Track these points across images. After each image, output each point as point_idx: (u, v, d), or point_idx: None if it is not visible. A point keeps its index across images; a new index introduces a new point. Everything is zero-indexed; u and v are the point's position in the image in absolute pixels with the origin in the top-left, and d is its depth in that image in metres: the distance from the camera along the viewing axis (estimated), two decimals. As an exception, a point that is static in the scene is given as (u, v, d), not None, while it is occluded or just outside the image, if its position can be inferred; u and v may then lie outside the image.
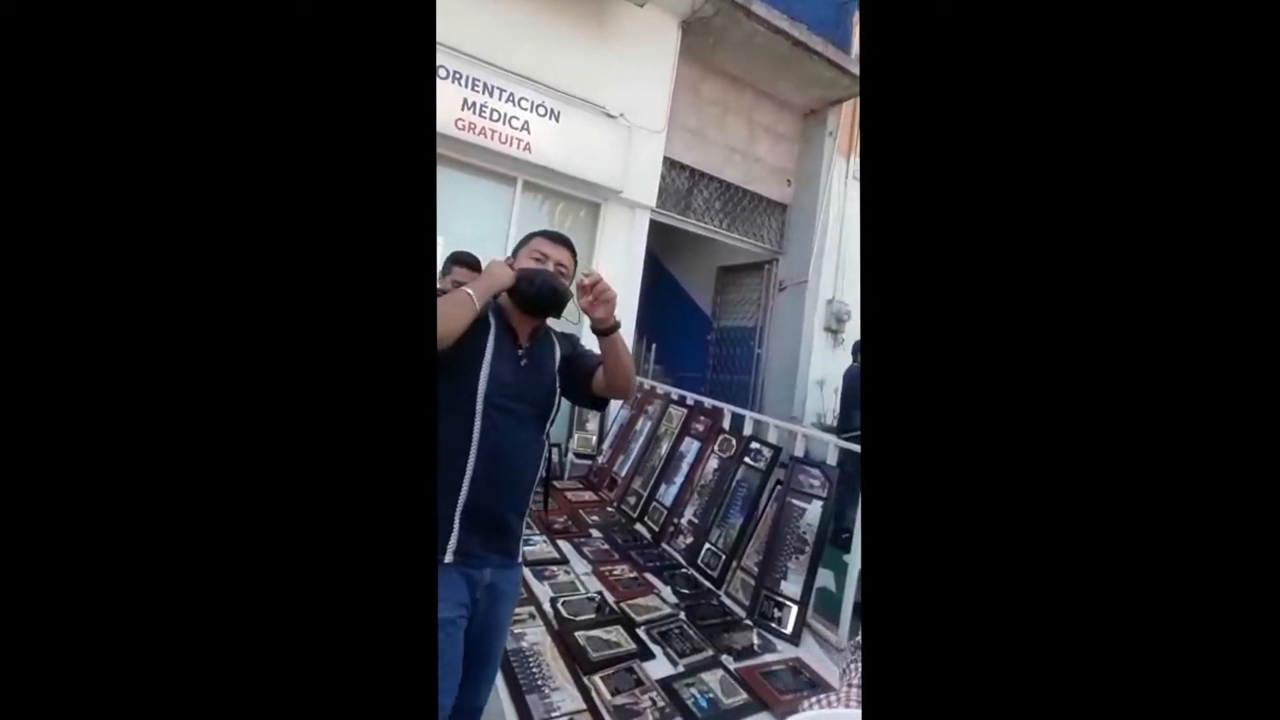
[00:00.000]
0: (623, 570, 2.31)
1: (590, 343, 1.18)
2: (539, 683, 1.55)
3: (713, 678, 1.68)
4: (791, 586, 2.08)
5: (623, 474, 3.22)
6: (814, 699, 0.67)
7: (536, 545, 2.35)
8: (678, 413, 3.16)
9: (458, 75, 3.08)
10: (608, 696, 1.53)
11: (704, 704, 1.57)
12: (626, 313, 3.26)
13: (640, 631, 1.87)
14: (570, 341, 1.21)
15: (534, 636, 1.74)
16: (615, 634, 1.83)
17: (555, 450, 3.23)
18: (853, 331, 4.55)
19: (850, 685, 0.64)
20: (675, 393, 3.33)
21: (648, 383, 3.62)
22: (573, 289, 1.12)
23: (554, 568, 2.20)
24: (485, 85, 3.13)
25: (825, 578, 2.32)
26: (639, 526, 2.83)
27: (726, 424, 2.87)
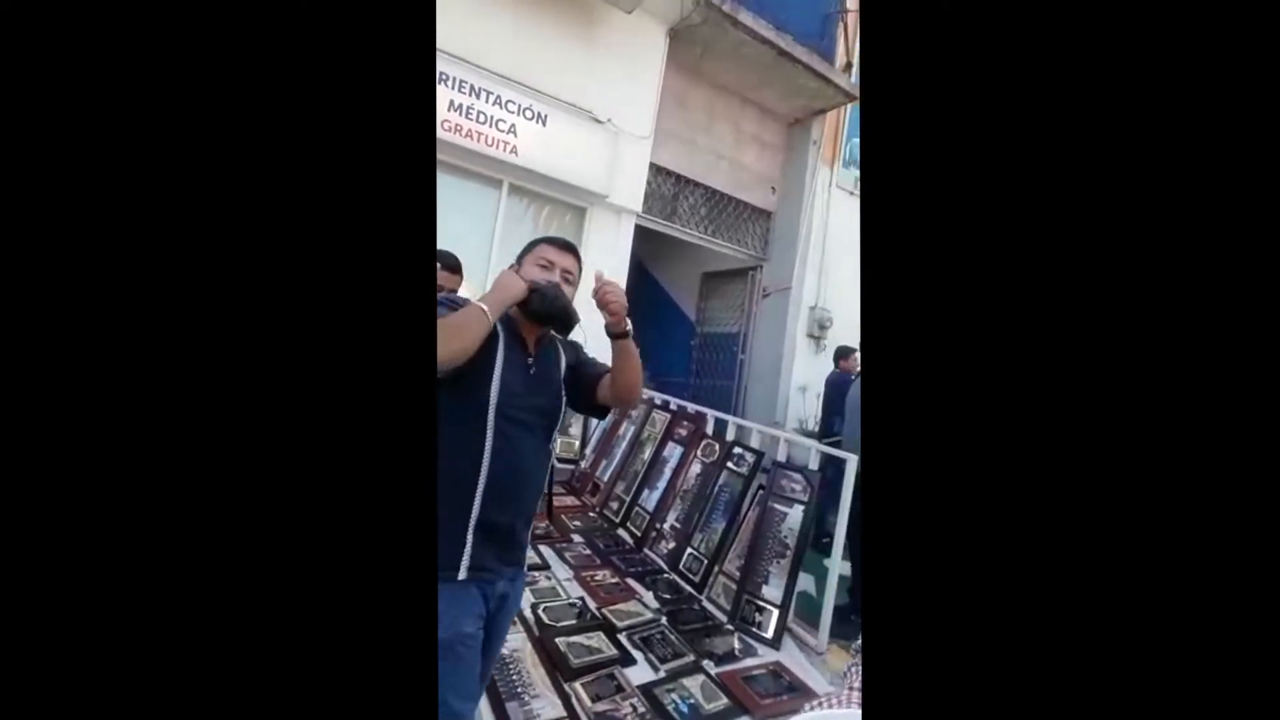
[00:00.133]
0: (604, 576, 2.30)
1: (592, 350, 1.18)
2: (519, 690, 1.53)
3: (694, 683, 1.68)
4: (773, 591, 2.10)
5: (605, 479, 3.21)
6: (820, 699, 0.67)
7: (518, 550, 2.33)
8: (661, 418, 3.16)
9: (444, 76, 3.06)
10: (588, 703, 1.52)
11: (685, 709, 1.56)
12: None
13: (622, 637, 1.86)
14: (575, 349, 1.20)
15: (514, 643, 1.72)
16: (596, 640, 1.82)
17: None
18: (834, 338, 4.60)
19: (851, 688, 0.64)
20: (659, 397, 3.33)
21: (632, 387, 3.61)
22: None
23: (535, 573, 2.18)
24: (472, 87, 3.12)
25: (806, 582, 2.34)
26: (621, 532, 2.82)
27: (710, 429, 2.88)
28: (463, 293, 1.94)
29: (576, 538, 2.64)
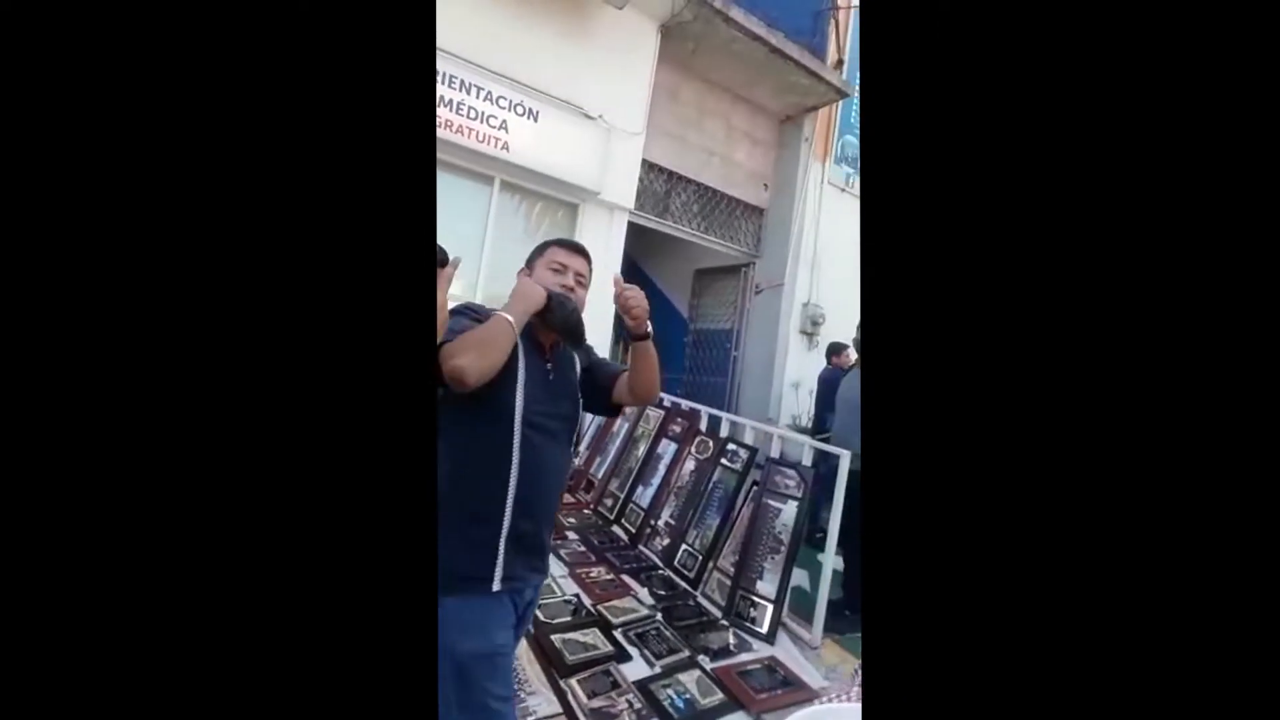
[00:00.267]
0: (599, 572, 2.30)
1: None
2: (515, 687, 1.53)
3: (689, 678, 1.69)
4: (767, 586, 2.11)
5: (600, 476, 3.21)
6: (820, 695, 0.68)
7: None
8: (655, 414, 3.17)
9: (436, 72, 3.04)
10: (584, 699, 1.52)
11: (680, 704, 1.57)
12: (605, 315, 3.25)
13: (617, 633, 1.87)
14: (586, 351, 1.20)
15: (510, 640, 1.72)
16: (592, 636, 1.82)
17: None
18: (827, 334, 4.62)
19: (858, 685, 0.65)
20: (653, 394, 3.33)
21: (625, 384, 3.61)
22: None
23: (530, 570, 2.18)
24: (463, 83, 3.10)
25: (800, 577, 2.35)
26: (616, 528, 2.83)
27: (703, 426, 2.89)
28: (453, 290, 1.92)
29: (571, 535, 2.64)
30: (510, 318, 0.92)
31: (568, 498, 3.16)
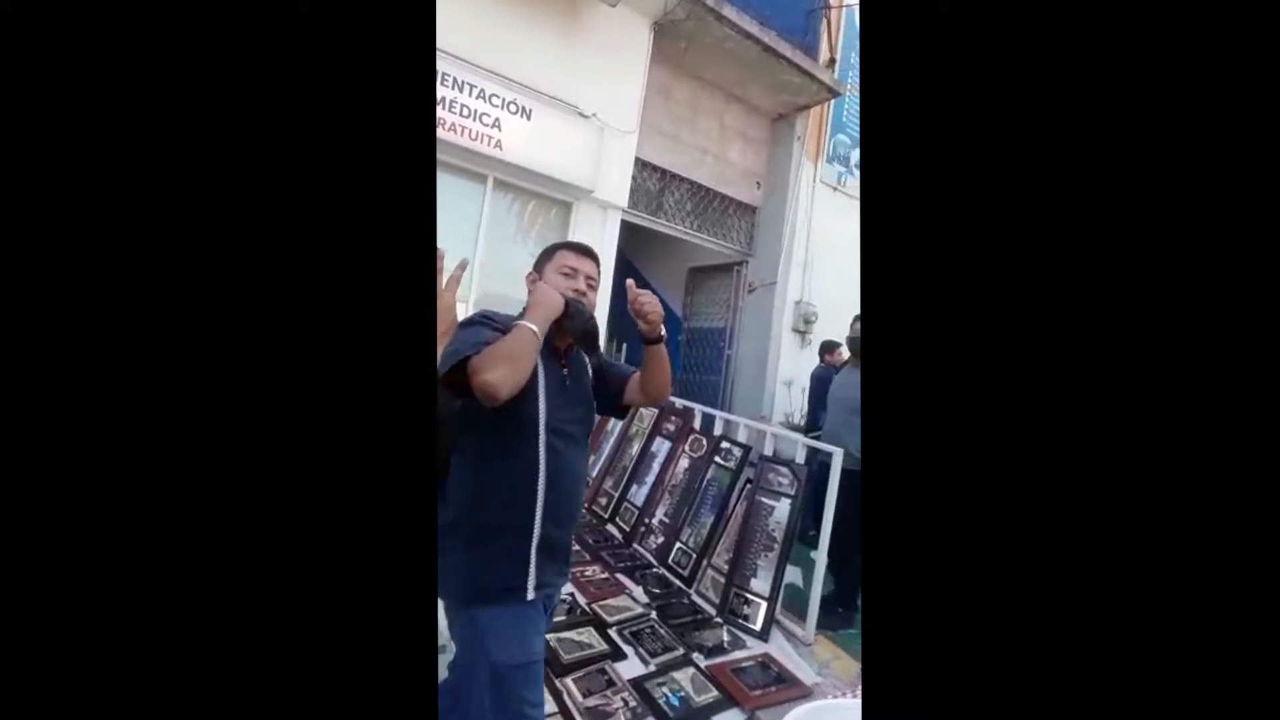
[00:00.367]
0: (594, 571, 2.31)
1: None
2: (510, 686, 1.54)
3: (684, 676, 1.70)
4: (760, 583, 2.12)
5: (594, 475, 3.21)
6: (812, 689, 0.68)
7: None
8: (649, 413, 3.17)
9: (426, 70, 3.01)
10: (579, 698, 1.53)
11: (675, 702, 1.58)
12: (599, 314, 3.25)
13: (612, 632, 1.87)
14: (599, 354, 1.20)
15: (505, 640, 1.72)
16: (587, 635, 1.83)
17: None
18: (819, 332, 4.64)
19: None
20: (646, 393, 3.33)
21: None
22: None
23: (525, 570, 2.18)
24: (456, 81, 3.08)
25: (793, 574, 2.36)
26: (610, 527, 2.83)
27: (697, 424, 2.90)
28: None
29: (565, 534, 2.64)
30: (534, 327, 0.91)
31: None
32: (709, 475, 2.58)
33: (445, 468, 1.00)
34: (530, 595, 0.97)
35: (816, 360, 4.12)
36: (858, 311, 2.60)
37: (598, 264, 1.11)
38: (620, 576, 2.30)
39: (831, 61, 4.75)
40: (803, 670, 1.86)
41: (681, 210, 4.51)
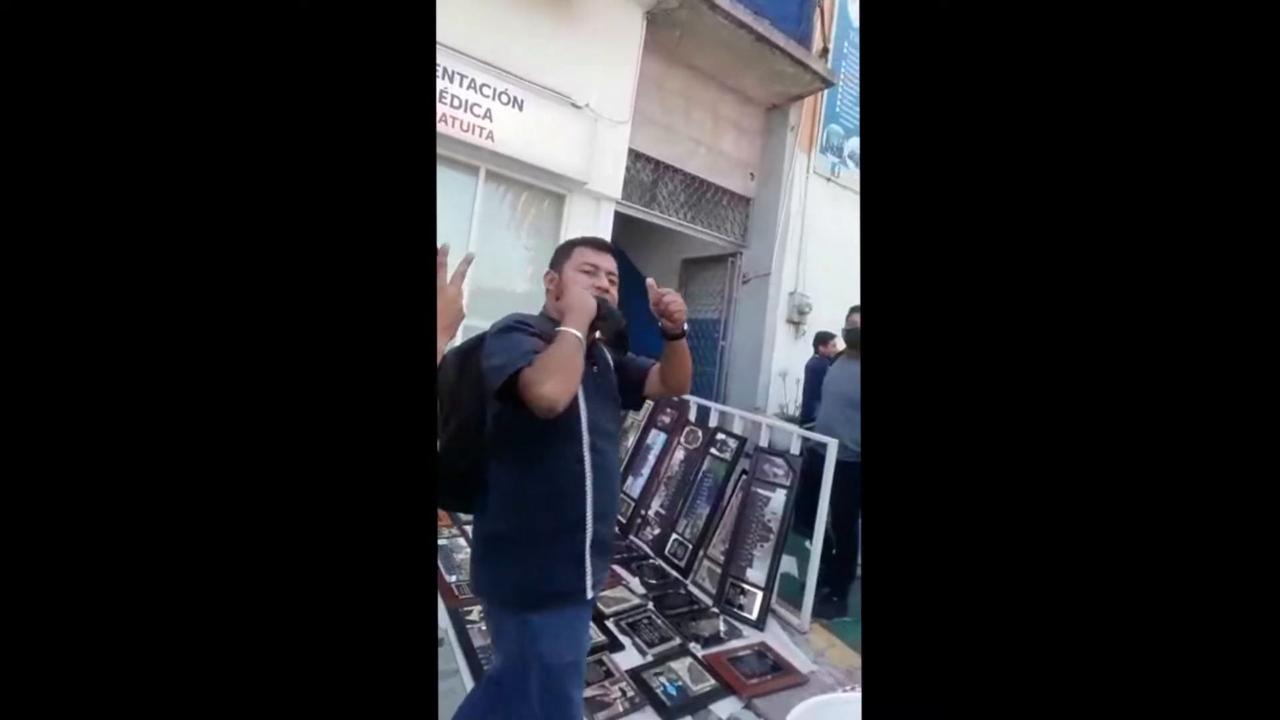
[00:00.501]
0: (591, 563, 2.31)
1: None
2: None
3: (681, 666, 1.71)
4: (756, 573, 2.13)
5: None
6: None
7: (503, 540, 2.33)
8: (644, 405, 3.17)
9: (416, 60, 2.97)
10: (578, 689, 1.54)
11: (673, 691, 1.59)
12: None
13: (609, 623, 1.88)
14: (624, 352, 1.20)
15: (502, 632, 1.73)
16: (584, 626, 1.83)
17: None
18: (814, 323, 4.65)
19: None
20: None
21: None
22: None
23: (521, 562, 2.18)
24: (447, 71, 3.04)
25: (788, 563, 2.38)
26: (606, 519, 2.83)
27: (692, 416, 2.90)
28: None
29: (561, 526, 2.64)
30: (579, 334, 0.90)
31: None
32: (704, 467, 2.59)
33: (480, 478, 0.99)
34: (589, 595, 0.98)
35: (811, 351, 4.14)
36: (852, 302, 2.61)
37: (615, 259, 1.11)
38: (617, 568, 2.31)
39: (825, 51, 4.72)
40: (798, 658, 1.88)
41: (675, 202, 4.50)
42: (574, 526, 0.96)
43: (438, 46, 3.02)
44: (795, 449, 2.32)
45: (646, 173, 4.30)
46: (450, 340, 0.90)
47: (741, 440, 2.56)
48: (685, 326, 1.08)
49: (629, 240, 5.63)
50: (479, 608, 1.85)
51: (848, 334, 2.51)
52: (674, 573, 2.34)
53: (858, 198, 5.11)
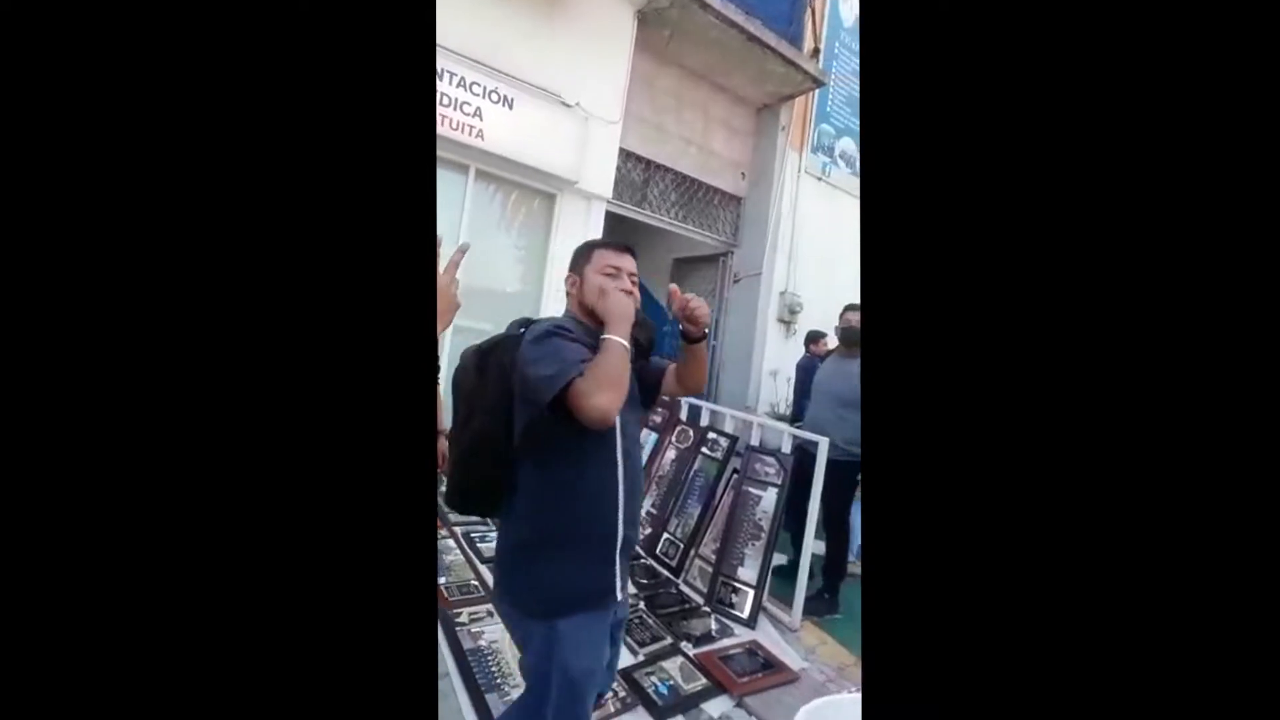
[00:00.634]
0: (582, 563, 2.31)
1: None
2: (498, 681, 1.54)
3: (673, 665, 1.71)
4: (748, 572, 2.14)
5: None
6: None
7: (493, 541, 2.32)
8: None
9: (405, 57, 2.95)
10: (569, 689, 1.53)
11: (664, 690, 1.59)
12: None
13: (601, 623, 1.88)
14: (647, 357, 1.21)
15: (492, 635, 1.72)
16: (576, 627, 1.83)
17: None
18: (805, 322, 4.67)
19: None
20: (633, 385, 3.33)
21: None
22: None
23: (512, 563, 2.17)
24: (437, 69, 3.02)
25: (778, 562, 2.39)
26: (598, 519, 2.83)
27: (684, 415, 2.91)
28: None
29: (553, 526, 2.63)
30: (625, 343, 0.90)
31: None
32: (696, 466, 2.59)
33: (505, 481, 0.99)
34: (619, 596, 0.98)
35: (801, 350, 4.15)
36: (843, 301, 2.62)
37: (634, 259, 1.11)
38: (608, 568, 2.30)
39: (816, 51, 4.74)
40: (790, 656, 1.88)
41: (666, 201, 4.49)
42: (609, 529, 0.97)
43: (427, 44, 3.00)
44: (786, 448, 2.33)
45: (637, 172, 4.29)
46: (446, 329, 0.90)
47: (733, 439, 2.57)
48: (707, 329, 1.09)
49: (620, 240, 5.62)
50: (469, 610, 1.84)
51: (843, 332, 2.51)
52: (665, 572, 2.34)
53: (848, 197, 5.13)
